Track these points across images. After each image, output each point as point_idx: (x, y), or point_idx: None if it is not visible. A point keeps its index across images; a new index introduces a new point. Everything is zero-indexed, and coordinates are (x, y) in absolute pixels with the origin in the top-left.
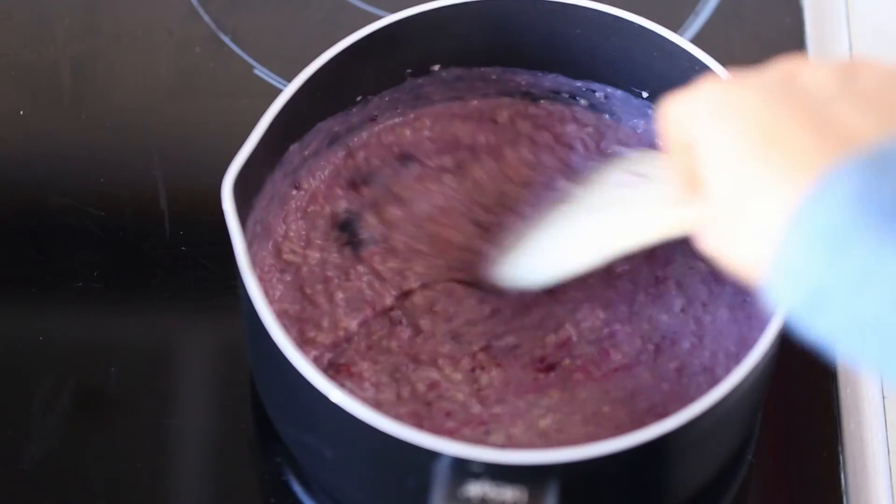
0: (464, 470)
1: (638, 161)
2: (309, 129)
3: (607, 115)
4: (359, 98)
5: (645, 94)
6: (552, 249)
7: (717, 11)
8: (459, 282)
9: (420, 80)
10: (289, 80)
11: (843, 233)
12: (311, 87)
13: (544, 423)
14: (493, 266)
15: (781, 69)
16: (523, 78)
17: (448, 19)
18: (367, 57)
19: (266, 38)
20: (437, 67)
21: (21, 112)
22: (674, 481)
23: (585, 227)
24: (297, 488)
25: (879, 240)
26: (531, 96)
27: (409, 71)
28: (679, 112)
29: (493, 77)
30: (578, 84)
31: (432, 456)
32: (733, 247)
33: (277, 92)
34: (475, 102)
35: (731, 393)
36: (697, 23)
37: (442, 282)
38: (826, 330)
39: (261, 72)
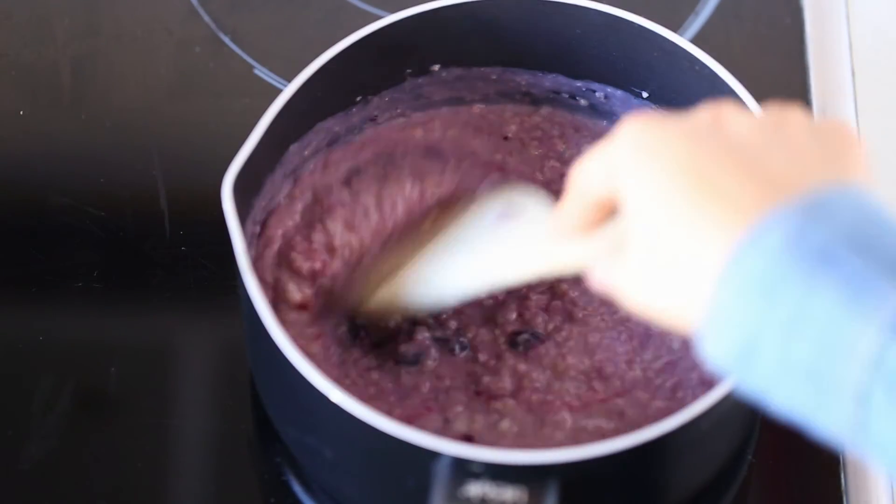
0: (464, 470)
1: (517, 197)
2: (309, 130)
3: (605, 122)
4: (359, 98)
5: (645, 94)
6: (443, 278)
7: (717, 11)
8: None
9: (420, 80)
10: (289, 80)
11: (773, 279)
12: (311, 87)
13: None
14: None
15: (707, 115)
16: (523, 78)
17: (448, 19)
18: (367, 57)
19: (266, 38)
20: (437, 67)
21: (21, 112)
22: (674, 481)
23: (472, 258)
24: (297, 488)
25: (808, 284)
26: (531, 97)
27: (409, 71)
28: (601, 161)
29: (493, 77)
30: (578, 84)
31: (432, 456)
32: (657, 296)
33: (277, 92)
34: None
35: (731, 393)
36: (697, 23)
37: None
38: (759, 380)
39: (261, 72)
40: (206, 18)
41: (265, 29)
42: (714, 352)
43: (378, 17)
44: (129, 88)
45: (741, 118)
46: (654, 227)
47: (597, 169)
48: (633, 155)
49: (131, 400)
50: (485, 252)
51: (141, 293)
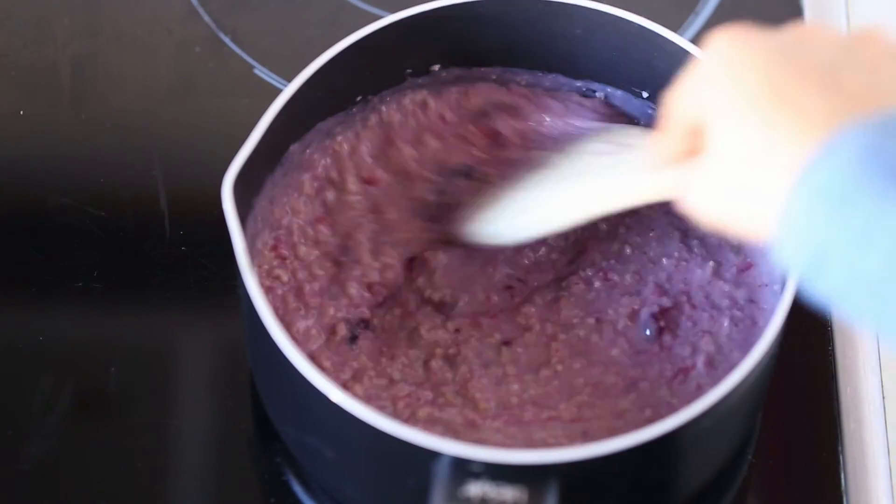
0: (464, 470)
1: (618, 133)
2: (309, 130)
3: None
4: (359, 98)
5: (645, 94)
6: (530, 209)
7: (717, 11)
8: (438, 242)
9: (420, 80)
10: (289, 80)
11: (846, 192)
12: (311, 87)
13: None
14: (470, 223)
15: (792, 33)
16: (523, 78)
17: (448, 19)
18: (367, 57)
19: (266, 38)
20: (436, 67)
21: (21, 112)
22: (674, 481)
23: (564, 188)
24: (297, 488)
25: (880, 199)
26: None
27: (409, 71)
28: (691, 86)
29: (493, 77)
30: (578, 84)
31: (432, 456)
32: (737, 207)
33: (277, 92)
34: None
35: (731, 393)
36: (697, 23)
37: (422, 244)
38: (829, 288)
39: (261, 72)
40: (206, 18)
41: (265, 29)
42: (787, 257)
43: (378, 17)
44: (129, 88)
45: (826, 36)
46: (733, 138)
47: (688, 94)
48: (718, 72)
49: (131, 400)
50: (585, 180)
51: (141, 293)
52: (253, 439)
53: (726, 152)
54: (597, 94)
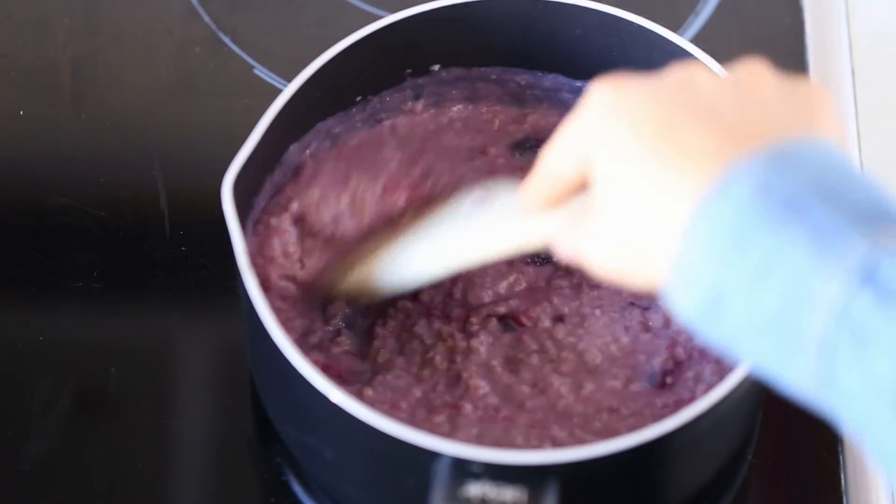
0: (463, 470)
1: (492, 187)
2: (309, 129)
3: None
4: (359, 98)
5: None
6: (413, 258)
7: (717, 11)
8: None
9: (420, 81)
10: (289, 80)
11: (741, 230)
12: (311, 87)
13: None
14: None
15: (676, 74)
16: (523, 78)
17: (448, 19)
18: (367, 57)
19: (266, 38)
20: (436, 67)
21: (21, 112)
22: (673, 481)
23: (443, 238)
24: (298, 488)
25: (775, 234)
26: (534, 98)
27: (409, 71)
28: (571, 136)
29: (493, 77)
30: (578, 84)
31: (432, 456)
32: (626, 255)
33: (277, 92)
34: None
35: (731, 393)
36: (697, 23)
37: None
38: (725, 332)
39: (261, 72)
40: (206, 18)
41: (265, 29)
42: (682, 303)
43: (378, 17)
44: (129, 88)
45: (709, 76)
46: (620, 184)
47: (568, 145)
48: (601, 118)
49: (131, 400)
50: (456, 233)
51: (141, 293)
52: (253, 439)
53: (611, 199)
54: None
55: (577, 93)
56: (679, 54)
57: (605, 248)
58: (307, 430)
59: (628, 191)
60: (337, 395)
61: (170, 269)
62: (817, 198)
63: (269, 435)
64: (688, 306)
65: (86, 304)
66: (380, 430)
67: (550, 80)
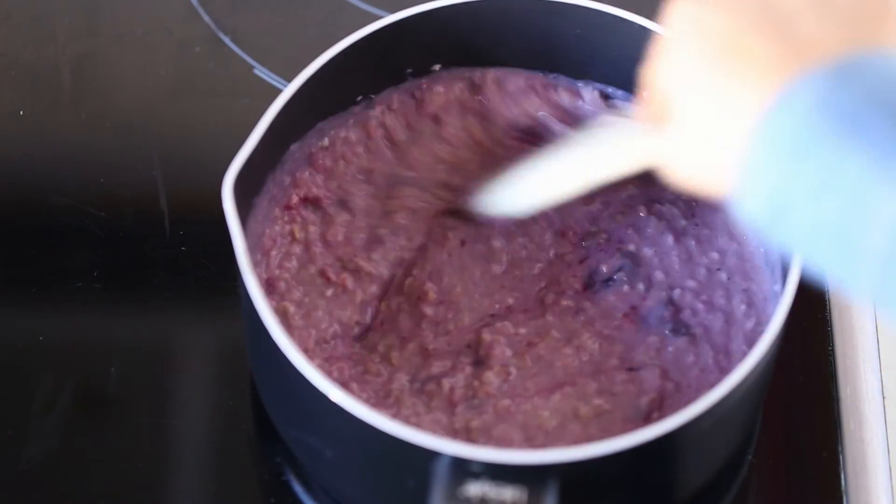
0: (463, 470)
1: (624, 109)
2: (309, 129)
3: None
4: (359, 98)
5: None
6: (535, 179)
7: None
8: (447, 213)
9: (420, 81)
10: (289, 80)
11: (800, 142)
12: (311, 87)
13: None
14: (481, 195)
15: None
16: (524, 77)
17: (448, 19)
18: (367, 57)
19: (266, 38)
20: (437, 67)
21: (21, 112)
22: (674, 481)
23: (563, 160)
24: (298, 488)
25: (836, 147)
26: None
27: (409, 71)
28: (659, 49)
29: (494, 77)
30: (580, 84)
31: (432, 456)
32: (702, 165)
33: (277, 92)
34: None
35: (730, 393)
36: None
37: (430, 215)
38: (790, 238)
39: (261, 72)
40: (206, 18)
41: (265, 29)
42: (748, 209)
43: (378, 17)
44: (129, 88)
45: None
46: (693, 98)
47: (658, 62)
48: (680, 35)
49: (131, 400)
50: (574, 155)
51: (141, 293)
52: (253, 439)
53: (688, 113)
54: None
55: (578, 93)
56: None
57: (686, 159)
58: (307, 429)
59: (700, 102)
60: (337, 394)
61: (170, 269)
62: (879, 113)
63: (268, 435)
64: (753, 212)
65: (86, 304)
66: (379, 429)
67: (551, 80)
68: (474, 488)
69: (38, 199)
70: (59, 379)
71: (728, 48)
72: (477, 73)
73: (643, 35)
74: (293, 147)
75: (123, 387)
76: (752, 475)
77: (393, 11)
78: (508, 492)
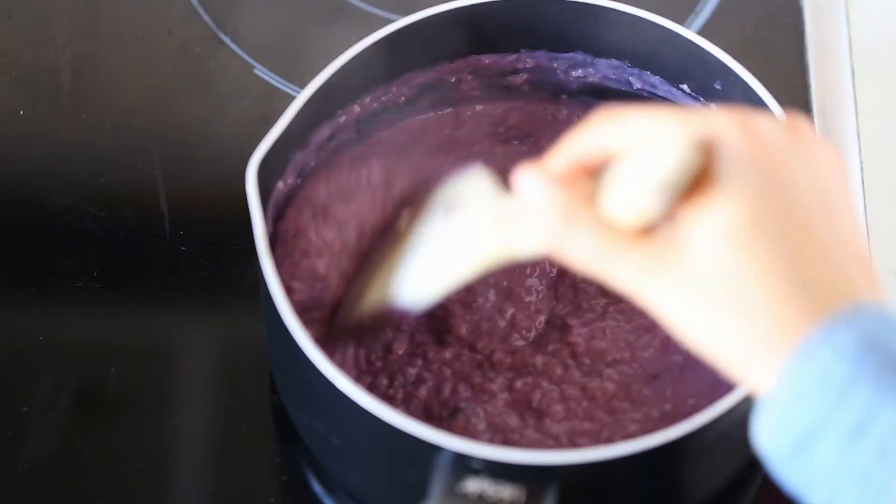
0: (463, 465)
1: (459, 187)
2: (333, 117)
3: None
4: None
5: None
6: (412, 278)
7: (717, 11)
8: None
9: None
10: (289, 80)
11: (843, 379)
12: (346, 72)
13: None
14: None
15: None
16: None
17: (480, 16)
18: (379, 57)
19: (266, 38)
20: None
21: (21, 112)
22: (679, 489)
23: (430, 257)
24: (298, 488)
25: (877, 388)
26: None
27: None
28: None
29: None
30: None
31: (433, 449)
32: (715, 337)
33: (278, 92)
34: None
35: (740, 404)
36: (698, 22)
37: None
38: (807, 476)
39: (261, 72)
40: (206, 18)
41: (265, 29)
42: (768, 439)
43: (378, 18)
44: (129, 88)
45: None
46: (730, 274)
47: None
48: (741, 157)
49: (131, 400)
50: (440, 249)
51: (141, 293)
52: (253, 439)
53: (714, 278)
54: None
55: (579, 94)
56: (686, 46)
57: (696, 320)
58: (315, 414)
59: (735, 285)
60: (343, 382)
61: (170, 269)
62: None
63: (270, 435)
64: (773, 443)
65: (86, 303)
66: (382, 420)
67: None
68: (473, 485)
69: (38, 199)
70: (59, 379)
71: (790, 255)
72: None
73: (652, 30)
74: (312, 138)
75: (123, 387)
76: (763, 491)
77: (393, 12)
78: (507, 490)
